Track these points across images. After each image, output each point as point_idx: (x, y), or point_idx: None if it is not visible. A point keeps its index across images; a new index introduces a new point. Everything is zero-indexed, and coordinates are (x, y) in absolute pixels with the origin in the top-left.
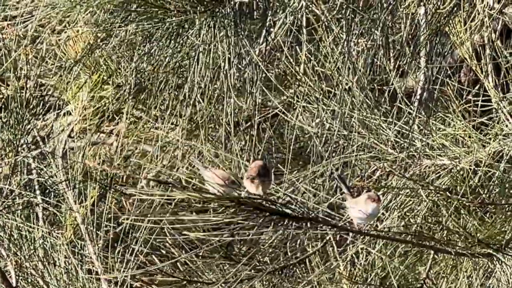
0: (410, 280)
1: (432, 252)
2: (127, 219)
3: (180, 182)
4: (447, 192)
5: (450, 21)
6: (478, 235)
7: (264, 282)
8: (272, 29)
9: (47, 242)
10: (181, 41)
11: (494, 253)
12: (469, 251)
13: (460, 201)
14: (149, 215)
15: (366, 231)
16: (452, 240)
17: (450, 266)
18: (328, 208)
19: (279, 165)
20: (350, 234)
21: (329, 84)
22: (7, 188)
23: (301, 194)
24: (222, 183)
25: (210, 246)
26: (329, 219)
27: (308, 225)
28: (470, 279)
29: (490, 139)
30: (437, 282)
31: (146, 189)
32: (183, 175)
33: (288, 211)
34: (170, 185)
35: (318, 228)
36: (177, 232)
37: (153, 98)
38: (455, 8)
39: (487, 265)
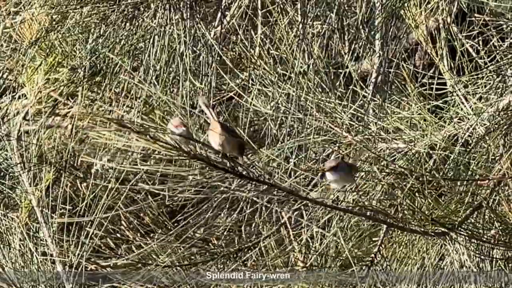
0: (361, 256)
1: (384, 227)
2: (83, 201)
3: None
4: (403, 174)
5: (406, 4)
6: (432, 215)
7: (219, 266)
8: (227, 12)
9: (2, 224)
10: (137, 24)
11: (447, 231)
12: (423, 229)
13: (414, 184)
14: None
15: (317, 200)
16: (407, 220)
17: (403, 244)
18: None
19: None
20: (305, 217)
21: (284, 67)
22: None
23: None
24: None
25: (164, 229)
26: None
27: (263, 188)
28: (423, 259)
29: (445, 122)
30: (389, 259)
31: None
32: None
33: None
34: (130, 130)
35: (273, 192)
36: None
37: (108, 80)
38: None
39: (441, 246)
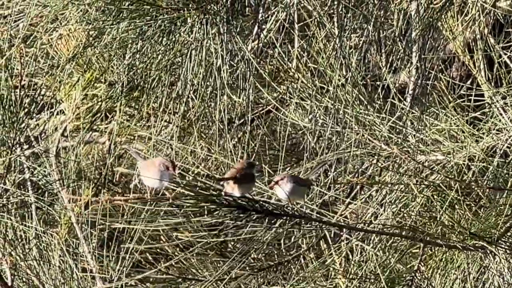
0: (402, 273)
1: (422, 245)
2: (122, 217)
3: None
4: (442, 187)
5: (443, 16)
6: (471, 228)
7: (259, 279)
8: (264, 26)
9: (42, 241)
10: (173, 39)
11: (487, 246)
12: (462, 244)
13: (454, 196)
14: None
15: (357, 226)
16: (446, 234)
17: (444, 260)
18: (322, 204)
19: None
20: (344, 229)
21: (322, 80)
22: (2, 188)
23: None
24: (156, 169)
25: (203, 244)
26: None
27: (299, 222)
28: (464, 273)
29: (483, 133)
30: (431, 276)
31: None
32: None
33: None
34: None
35: (308, 225)
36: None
37: (146, 96)
38: (448, 3)
39: (481, 260)
